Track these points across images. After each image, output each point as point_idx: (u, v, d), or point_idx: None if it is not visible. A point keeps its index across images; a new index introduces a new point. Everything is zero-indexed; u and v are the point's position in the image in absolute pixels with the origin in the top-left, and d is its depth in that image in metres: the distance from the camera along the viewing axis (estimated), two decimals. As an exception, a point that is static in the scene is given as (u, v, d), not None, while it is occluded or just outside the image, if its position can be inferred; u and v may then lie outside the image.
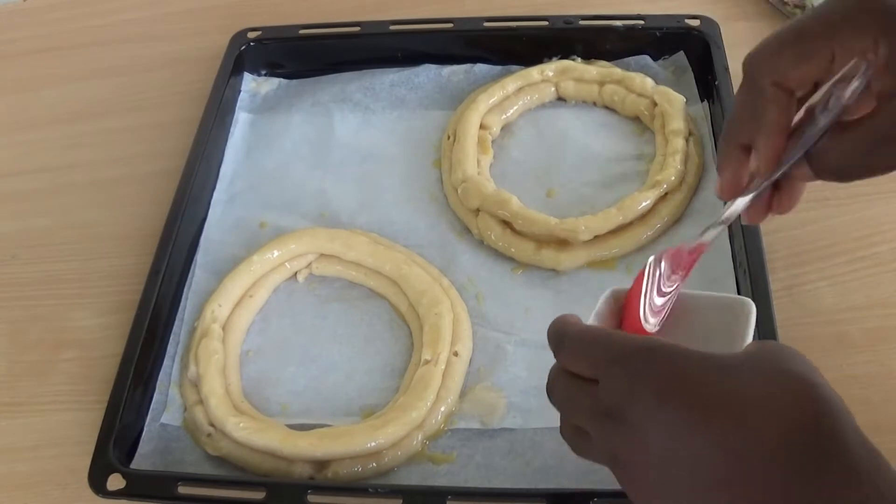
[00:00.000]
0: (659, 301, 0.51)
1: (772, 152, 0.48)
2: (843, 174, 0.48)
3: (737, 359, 0.41)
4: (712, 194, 0.71)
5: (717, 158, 0.54)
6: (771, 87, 0.47)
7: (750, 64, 0.48)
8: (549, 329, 0.47)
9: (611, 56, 0.82)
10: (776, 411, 0.38)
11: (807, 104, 0.48)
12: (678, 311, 0.52)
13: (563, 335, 0.46)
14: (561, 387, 0.46)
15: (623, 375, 0.42)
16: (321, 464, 0.60)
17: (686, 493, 0.40)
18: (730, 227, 0.68)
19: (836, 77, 0.45)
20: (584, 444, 0.46)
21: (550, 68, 0.80)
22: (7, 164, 0.84)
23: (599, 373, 0.43)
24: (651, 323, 0.51)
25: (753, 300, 0.61)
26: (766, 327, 0.60)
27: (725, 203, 0.51)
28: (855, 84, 0.44)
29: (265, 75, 0.86)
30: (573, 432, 0.46)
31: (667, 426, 0.40)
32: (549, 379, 0.47)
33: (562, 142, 0.78)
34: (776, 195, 0.51)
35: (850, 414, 0.39)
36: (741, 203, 0.50)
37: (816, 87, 0.47)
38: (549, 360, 0.64)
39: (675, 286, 0.52)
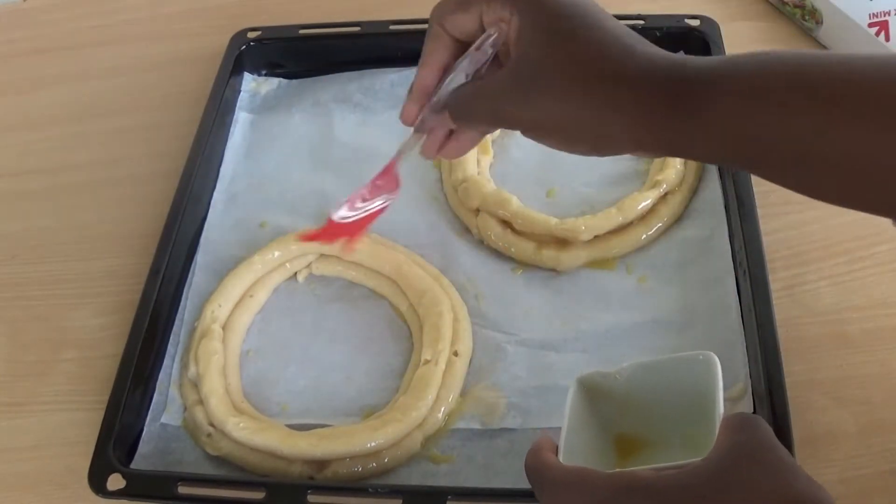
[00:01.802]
0: (360, 204, 0.60)
1: (420, 81, 0.55)
2: (471, 117, 0.54)
3: (712, 476, 0.42)
4: (712, 194, 0.71)
5: None
6: (435, 27, 0.54)
7: (432, 10, 0.55)
8: (525, 463, 0.48)
9: (611, 56, 0.82)
10: None
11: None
12: (642, 382, 0.53)
13: (541, 479, 0.47)
14: None
15: None
16: (321, 464, 0.60)
17: None
18: (730, 227, 0.68)
19: (480, 39, 0.52)
20: None
21: (550, 68, 0.80)
22: (7, 164, 0.84)
23: None
24: (338, 214, 0.59)
25: (753, 300, 0.62)
26: (766, 328, 0.60)
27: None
28: (489, 41, 0.52)
29: (265, 75, 0.86)
30: None
31: None
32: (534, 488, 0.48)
33: (562, 142, 0.78)
34: (448, 139, 0.57)
35: None
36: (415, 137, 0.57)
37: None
38: (550, 360, 0.64)
39: (377, 199, 0.61)
